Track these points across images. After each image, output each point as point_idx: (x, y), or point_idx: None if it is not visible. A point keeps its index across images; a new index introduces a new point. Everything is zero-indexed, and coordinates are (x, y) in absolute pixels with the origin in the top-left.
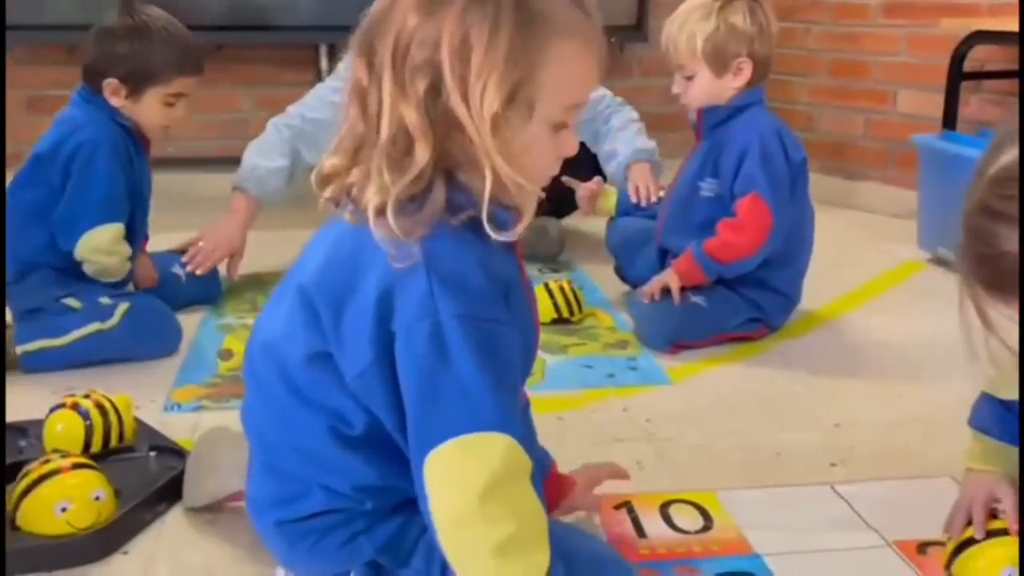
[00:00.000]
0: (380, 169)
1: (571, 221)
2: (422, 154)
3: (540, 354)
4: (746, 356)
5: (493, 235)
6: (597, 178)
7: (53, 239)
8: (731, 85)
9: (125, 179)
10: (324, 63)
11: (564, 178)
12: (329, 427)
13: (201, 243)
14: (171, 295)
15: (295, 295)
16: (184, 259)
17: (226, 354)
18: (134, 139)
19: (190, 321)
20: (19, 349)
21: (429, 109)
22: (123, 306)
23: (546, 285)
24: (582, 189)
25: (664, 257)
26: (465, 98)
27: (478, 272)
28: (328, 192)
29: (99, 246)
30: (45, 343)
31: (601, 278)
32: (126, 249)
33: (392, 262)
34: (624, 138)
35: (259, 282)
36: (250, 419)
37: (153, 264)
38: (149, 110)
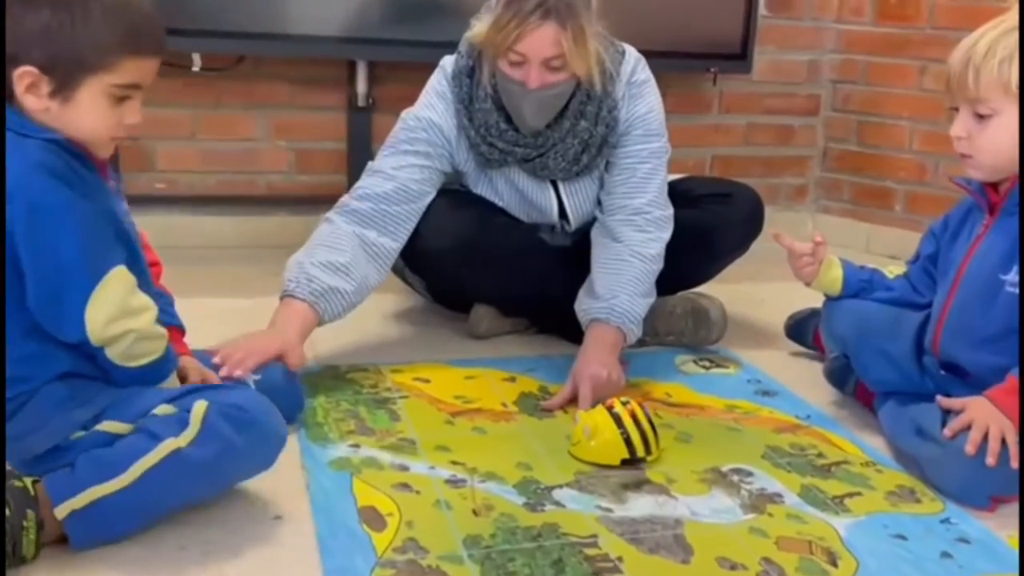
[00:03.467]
0: None
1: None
2: None
3: (809, 513)
4: None
5: None
6: (818, 236)
7: (41, 339)
8: None
9: (92, 207)
10: (361, 86)
11: (775, 233)
12: None
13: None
14: None
15: None
16: (215, 359)
17: (374, 518)
18: (79, 157)
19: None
20: (60, 512)
21: None
22: (199, 406)
23: (611, 411)
24: (797, 248)
25: (919, 356)
26: None
27: None
28: None
29: (115, 309)
30: (99, 490)
31: (794, 381)
32: (149, 301)
33: None
34: (612, 279)
35: (342, 379)
36: None
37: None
38: (88, 112)
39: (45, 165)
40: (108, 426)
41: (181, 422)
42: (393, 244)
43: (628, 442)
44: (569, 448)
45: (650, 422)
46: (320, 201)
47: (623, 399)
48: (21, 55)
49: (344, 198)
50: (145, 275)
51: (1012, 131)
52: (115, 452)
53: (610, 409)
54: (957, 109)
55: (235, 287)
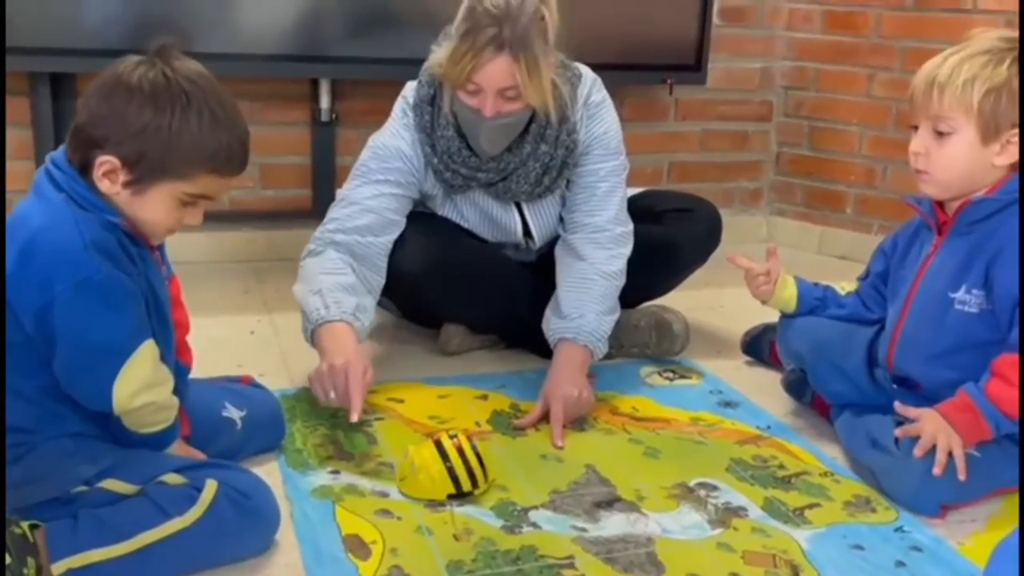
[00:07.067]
0: None
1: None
2: None
3: (773, 526)
4: None
5: None
6: (772, 247)
7: (56, 399)
8: (994, 161)
9: (135, 286)
10: (324, 101)
11: (730, 256)
12: None
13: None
14: (227, 450)
15: None
16: (324, 396)
17: (358, 547)
18: (129, 237)
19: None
20: (57, 568)
21: None
22: (211, 486)
23: (438, 445)
24: (753, 269)
25: (871, 370)
26: None
27: None
28: None
29: (140, 384)
30: (99, 554)
31: (754, 390)
32: (168, 373)
33: None
34: (578, 298)
35: (318, 403)
36: None
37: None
38: (153, 208)
39: (97, 244)
40: (112, 484)
41: (189, 498)
42: (379, 279)
43: (453, 476)
44: (397, 484)
45: (477, 455)
46: (285, 216)
47: (451, 432)
48: (110, 143)
49: (320, 231)
50: (170, 344)
51: (967, 150)
52: (120, 516)
53: (437, 443)
54: (916, 128)
55: (202, 304)
